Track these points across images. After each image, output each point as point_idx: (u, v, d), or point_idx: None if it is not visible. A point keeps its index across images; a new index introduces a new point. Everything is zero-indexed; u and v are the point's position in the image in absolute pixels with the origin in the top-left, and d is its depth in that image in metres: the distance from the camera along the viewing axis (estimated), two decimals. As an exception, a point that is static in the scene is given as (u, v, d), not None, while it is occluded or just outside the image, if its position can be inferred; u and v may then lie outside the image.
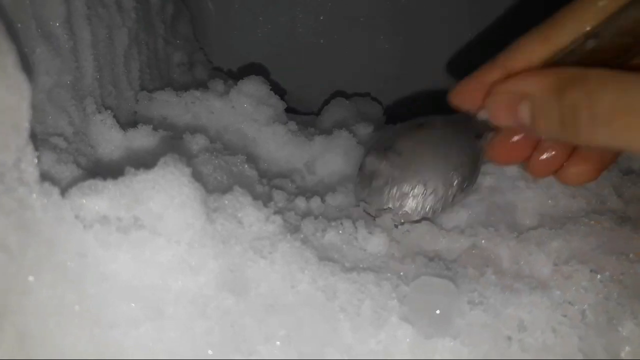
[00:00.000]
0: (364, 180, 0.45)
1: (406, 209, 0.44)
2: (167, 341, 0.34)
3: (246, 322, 0.35)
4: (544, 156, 0.39)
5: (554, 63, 0.33)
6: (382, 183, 0.44)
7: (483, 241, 0.45)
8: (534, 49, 0.34)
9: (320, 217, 0.45)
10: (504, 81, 0.34)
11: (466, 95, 0.38)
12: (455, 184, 0.43)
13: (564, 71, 0.30)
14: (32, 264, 0.32)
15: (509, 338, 0.37)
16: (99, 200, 0.35)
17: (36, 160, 0.33)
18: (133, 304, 0.34)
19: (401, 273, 0.40)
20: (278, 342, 0.35)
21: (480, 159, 0.43)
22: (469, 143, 0.41)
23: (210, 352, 0.34)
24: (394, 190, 0.44)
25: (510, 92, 0.33)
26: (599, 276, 0.40)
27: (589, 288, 0.39)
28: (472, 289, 0.39)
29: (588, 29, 0.32)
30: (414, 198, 0.44)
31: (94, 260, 0.34)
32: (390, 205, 0.44)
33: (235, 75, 0.89)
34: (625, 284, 0.40)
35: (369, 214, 0.46)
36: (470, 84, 0.37)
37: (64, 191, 0.35)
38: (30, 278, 0.32)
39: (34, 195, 0.33)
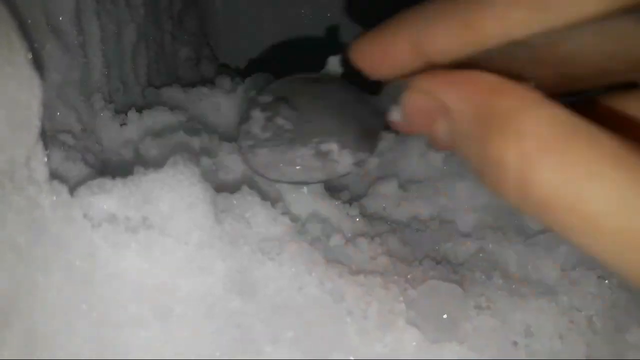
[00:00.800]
0: (248, 132, 0.39)
1: (295, 168, 0.38)
2: (175, 341, 0.34)
3: (253, 323, 0.35)
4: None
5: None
6: (271, 137, 0.38)
7: (490, 245, 0.45)
8: (455, 36, 0.22)
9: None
10: (426, 76, 0.24)
11: (369, 63, 0.27)
12: (348, 152, 0.36)
13: (499, 98, 0.21)
14: (40, 263, 0.32)
15: (516, 343, 0.37)
16: (108, 199, 0.35)
17: (46, 159, 0.33)
18: (141, 304, 0.34)
19: (409, 276, 0.40)
20: (285, 344, 0.35)
21: (380, 131, 0.37)
22: (369, 110, 0.34)
23: (217, 353, 0.34)
24: (284, 148, 0.38)
25: (430, 97, 0.24)
26: (606, 282, 0.40)
27: (596, 294, 0.39)
28: (479, 293, 0.39)
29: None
30: (303, 159, 0.37)
31: (102, 260, 0.34)
32: (280, 164, 0.37)
33: (242, 72, 0.89)
34: (632, 291, 0.40)
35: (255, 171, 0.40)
36: (370, 47, 0.27)
37: (72, 190, 0.35)
38: (39, 277, 0.32)
39: (44, 194, 0.33)
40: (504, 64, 0.22)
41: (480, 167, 0.21)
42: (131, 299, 0.34)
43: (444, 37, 0.22)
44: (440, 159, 0.55)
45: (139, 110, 0.53)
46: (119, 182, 0.36)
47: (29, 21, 0.40)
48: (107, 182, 0.36)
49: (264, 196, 0.42)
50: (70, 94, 0.46)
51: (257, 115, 0.37)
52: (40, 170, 0.33)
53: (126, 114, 0.52)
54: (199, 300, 0.35)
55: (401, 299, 0.38)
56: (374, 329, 0.36)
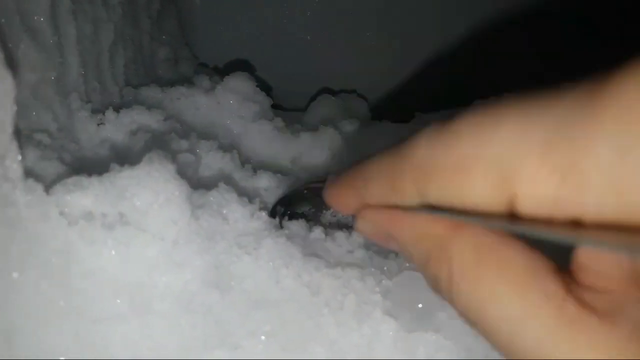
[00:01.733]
0: None
1: None
2: (153, 336, 0.34)
3: (231, 318, 0.36)
4: None
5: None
6: None
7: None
8: (383, 193, 0.27)
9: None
10: (370, 210, 0.28)
11: (339, 207, 0.31)
12: None
13: (428, 229, 0.24)
14: (16, 261, 0.32)
15: (491, 331, 0.38)
16: (84, 196, 0.36)
17: (20, 157, 0.33)
18: (118, 300, 0.34)
19: (385, 268, 0.40)
20: (262, 337, 0.35)
21: None
22: None
23: (195, 347, 0.34)
24: None
25: (376, 226, 0.28)
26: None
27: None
28: (454, 283, 0.40)
29: None
30: None
31: (78, 257, 0.34)
32: None
33: (221, 71, 0.89)
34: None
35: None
36: (335, 198, 0.31)
37: (48, 188, 0.35)
38: (15, 274, 0.32)
39: (18, 192, 0.33)
40: None
41: (426, 279, 0.26)
42: (108, 295, 0.34)
43: (377, 196, 0.27)
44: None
45: (117, 109, 0.53)
46: (94, 179, 0.36)
47: (2, 20, 0.40)
48: (83, 179, 0.36)
49: (241, 192, 0.42)
50: (46, 93, 0.46)
51: None
52: (15, 169, 0.33)
53: (104, 114, 0.52)
54: (176, 296, 0.35)
55: (377, 289, 0.38)
56: (351, 320, 0.37)
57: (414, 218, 0.25)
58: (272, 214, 0.45)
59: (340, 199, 0.30)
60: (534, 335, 0.20)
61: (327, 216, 0.47)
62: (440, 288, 0.24)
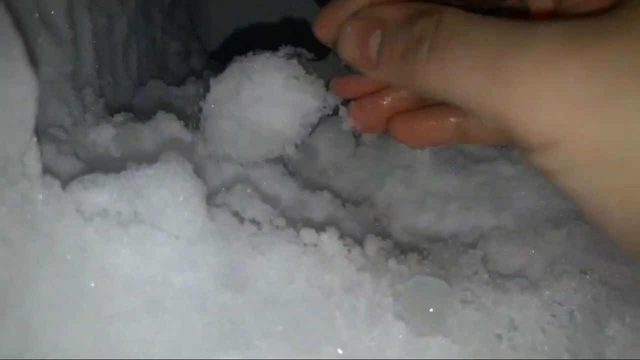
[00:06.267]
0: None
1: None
2: (167, 335, 0.34)
3: (244, 317, 0.36)
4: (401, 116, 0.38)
5: None
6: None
7: (476, 241, 0.46)
8: None
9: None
10: (361, 9, 0.32)
11: (329, 25, 0.35)
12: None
13: (421, 4, 0.29)
14: (33, 258, 0.33)
15: (499, 336, 0.38)
16: (100, 193, 0.36)
17: (40, 154, 0.33)
18: (133, 298, 0.34)
19: (397, 272, 0.41)
20: (275, 338, 0.36)
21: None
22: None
23: (208, 346, 0.34)
24: None
25: (366, 17, 0.32)
26: (587, 277, 0.41)
27: (578, 289, 0.40)
28: (465, 287, 0.40)
29: None
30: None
31: (94, 254, 0.34)
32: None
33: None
34: (613, 286, 0.41)
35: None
36: (332, 13, 0.34)
37: (64, 184, 0.36)
38: (32, 271, 0.32)
39: (36, 189, 0.33)
40: None
41: (400, 59, 0.29)
42: (123, 293, 0.34)
43: None
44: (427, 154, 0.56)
45: (129, 103, 0.53)
46: (111, 177, 0.36)
47: (22, 15, 0.41)
48: (99, 176, 0.36)
49: (256, 192, 0.43)
50: (62, 88, 0.46)
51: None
52: (34, 166, 0.33)
53: (117, 108, 0.52)
54: (190, 294, 0.35)
55: (389, 293, 0.39)
56: (362, 322, 0.37)
57: (408, 3, 0.30)
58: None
59: (335, 11, 0.34)
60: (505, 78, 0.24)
61: None
62: (422, 42, 0.27)
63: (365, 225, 0.49)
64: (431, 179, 0.55)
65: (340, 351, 0.36)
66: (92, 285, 0.34)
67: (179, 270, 0.35)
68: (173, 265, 0.35)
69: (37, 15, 0.42)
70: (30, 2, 0.42)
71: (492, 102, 0.25)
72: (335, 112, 0.42)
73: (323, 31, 0.35)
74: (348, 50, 0.33)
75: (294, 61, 0.41)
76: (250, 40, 0.92)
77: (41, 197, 0.33)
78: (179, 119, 0.47)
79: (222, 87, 0.41)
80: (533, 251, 0.45)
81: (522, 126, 0.24)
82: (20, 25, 0.38)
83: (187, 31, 0.86)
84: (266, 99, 0.40)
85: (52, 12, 0.45)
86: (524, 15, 0.32)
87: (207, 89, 0.41)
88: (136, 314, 0.34)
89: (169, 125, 0.46)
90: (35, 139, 0.32)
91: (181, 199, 0.36)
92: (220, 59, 0.91)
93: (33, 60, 0.32)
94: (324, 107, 0.41)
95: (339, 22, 0.33)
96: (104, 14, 0.54)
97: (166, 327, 0.34)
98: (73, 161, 0.41)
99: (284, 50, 0.42)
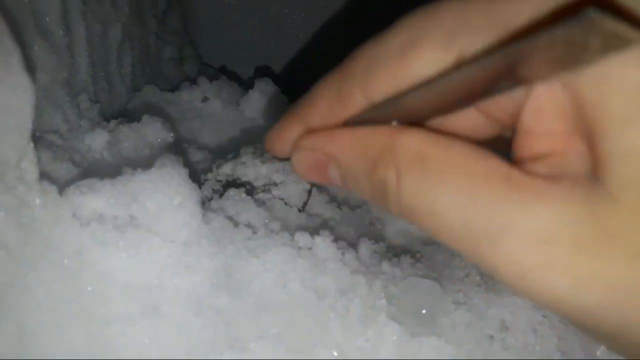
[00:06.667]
0: None
1: None
2: (163, 338, 0.35)
3: (239, 320, 0.36)
4: None
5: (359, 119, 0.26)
6: None
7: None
8: (330, 106, 0.27)
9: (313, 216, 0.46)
10: (308, 136, 0.28)
11: (275, 148, 0.32)
12: None
13: (372, 138, 0.25)
14: (30, 262, 0.33)
15: (492, 337, 0.39)
16: (96, 199, 0.36)
17: (36, 160, 0.33)
18: (129, 302, 0.35)
19: (390, 274, 0.41)
20: (270, 340, 0.36)
21: None
22: None
23: (203, 349, 0.35)
24: None
25: (315, 150, 0.28)
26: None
27: (568, 290, 0.41)
28: (457, 289, 0.41)
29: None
30: None
31: (90, 258, 0.35)
32: None
33: (225, 71, 0.90)
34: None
35: None
36: (275, 137, 0.31)
37: (61, 190, 0.36)
38: (29, 276, 0.33)
39: (33, 194, 0.34)
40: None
41: (370, 194, 0.26)
42: (119, 297, 0.35)
43: (323, 113, 0.28)
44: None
45: (124, 109, 0.53)
46: (107, 182, 0.37)
47: (18, 22, 0.41)
48: (96, 182, 0.37)
49: (251, 196, 0.43)
50: (57, 94, 0.46)
51: None
52: (31, 171, 0.33)
53: (111, 114, 0.53)
54: (185, 298, 0.36)
55: (383, 295, 0.39)
56: (356, 324, 0.38)
57: (357, 131, 0.26)
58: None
59: (283, 134, 0.30)
60: (485, 208, 0.21)
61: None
62: (388, 191, 0.24)
63: (359, 229, 0.50)
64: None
65: (335, 353, 0.37)
66: (89, 289, 0.34)
67: (174, 273, 0.36)
68: (169, 269, 0.36)
69: (32, 22, 0.43)
70: (25, 9, 0.42)
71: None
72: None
73: (274, 151, 0.32)
74: (309, 177, 0.30)
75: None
76: (244, 46, 0.93)
77: (38, 202, 0.34)
78: (172, 124, 0.48)
79: None
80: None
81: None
82: (16, 33, 0.38)
83: (181, 37, 0.86)
84: None
85: (47, 19, 0.45)
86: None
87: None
88: (132, 318, 0.34)
89: (161, 130, 0.46)
90: (31, 145, 0.33)
91: (176, 203, 0.36)
92: (214, 64, 0.92)
93: (29, 67, 0.33)
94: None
95: (288, 143, 0.30)
96: (98, 20, 0.55)
97: (162, 330, 0.35)
98: (69, 166, 0.41)
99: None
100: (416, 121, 0.25)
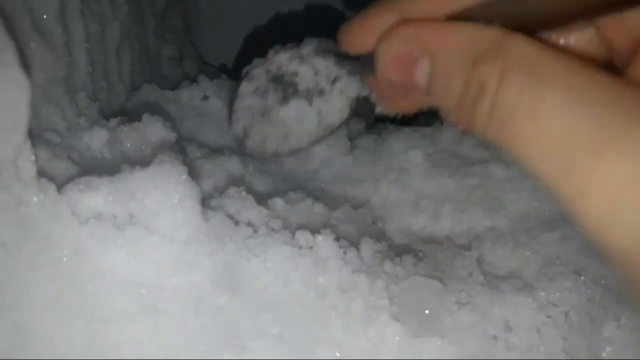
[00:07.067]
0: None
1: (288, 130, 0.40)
2: (162, 336, 0.34)
3: (239, 319, 0.36)
4: None
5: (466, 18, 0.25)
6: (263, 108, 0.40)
7: (471, 243, 0.46)
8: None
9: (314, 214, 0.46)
10: (404, 25, 0.26)
11: (356, 39, 0.29)
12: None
13: (480, 33, 0.23)
14: (28, 260, 0.32)
15: (495, 337, 0.38)
16: (95, 196, 0.36)
17: (33, 157, 0.33)
18: (128, 300, 0.34)
19: (392, 273, 0.41)
20: (270, 339, 0.36)
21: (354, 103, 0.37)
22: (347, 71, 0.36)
23: (203, 348, 0.34)
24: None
25: (411, 41, 0.26)
26: (582, 278, 0.41)
27: (572, 290, 0.40)
28: (460, 289, 0.40)
29: None
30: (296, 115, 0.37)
31: (89, 256, 0.34)
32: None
33: (225, 70, 0.90)
34: (607, 287, 0.41)
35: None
36: (360, 26, 0.29)
37: (60, 187, 0.35)
38: (27, 273, 0.32)
39: (31, 192, 0.33)
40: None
41: (459, 95, 0.24)
42: (118, 295, 0.34)
43: (429, 5, 0.26)
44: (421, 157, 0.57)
45: (123, 108, 0.53)
46: (106, 179, 0.36)
47: (15, 20, 0.40)
48: (94, 179, 0.36)
49: (251, 195, 0.43)
50: (55, 92, 0.46)
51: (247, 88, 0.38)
52: (28, 169, 0.33)
53: (110, 112, 0.52)
54: (185, 296, 0.35)
55: (384, 294, 0.39)
56: (358, 324, 0.37)
57: (464, 26, 0.24)
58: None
59: (371, 21, 0.28)
60: (596, 120, 0.20)
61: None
62: (485, 92, 0.23)
63: (360, 228, 0.50)
64: (425, 182, 0.55)
65: (336, 353, 0.36)
66: (88, 287, 0.34)
67: (173, 272, 0.35)
68: (168, 267, 0.35)
69: (29, 20, 0.42)
70: (22, 8, 0.42)
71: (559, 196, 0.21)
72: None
73: (351, 43, 0.30)
74: (391, 73, 0.27)
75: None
76: (244, 45, 0.93)
77: (36, 199, 0.33)
78: (172, 122, 0.47)
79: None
80: (527, 253, 0.45)
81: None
82: (12, 30, 0.38)
83: (181, 36, 0.86)
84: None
85: (45, 17, 0.45)
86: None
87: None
88: (131, 316, 0.34)
89: (160, 128, 0.46)
90: (28, 142, 0.32)
91: (175, 201, 0.36)
92: (214, 63, 0.92)
93: (26, 64, 0.32)
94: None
95: (373, 35, 0.28)
96: (97, 19, 0.54)
97: (161, 328, 0.34)
98: (68, 164, 0.40)
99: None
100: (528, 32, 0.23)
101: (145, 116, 0.46)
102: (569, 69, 0.21)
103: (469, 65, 0.23)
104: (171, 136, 0.45)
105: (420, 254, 0.45)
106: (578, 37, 0.25)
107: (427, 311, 0.38)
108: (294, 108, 0.36)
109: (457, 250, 0.46)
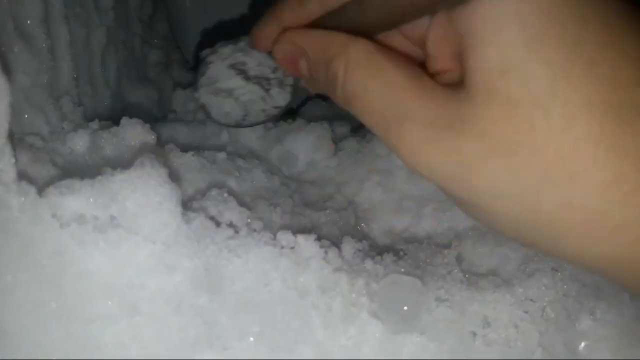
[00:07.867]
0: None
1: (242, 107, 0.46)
2: (143, 338, 0.34)
3: (220, 319, 0.36)
4: None
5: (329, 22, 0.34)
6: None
7: (450, 241, 0.46)
8: (303, 5, 0.35)
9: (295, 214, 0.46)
10: (285, 33, 0.36)
11: (259, 42, 0.40)
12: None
13: (332, 38, 0.32)
14: (9, 263, 0.33)
15: (474, 333, 0.39)
16: (76, 199, 0.36)
17: (14, 160, 0.33)
18: (109, 302, 0.35)
19: (373, 272, 0.41)
20: (251, 339, 0.36)
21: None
22: None
23: (184, 348, 0.35)
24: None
25: (291, 45, 0.36)
26: (559, 274, 0.42)
27: (549, 285, 0.41)
28: (439, 286, 0.41)
29: None
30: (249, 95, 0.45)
31: (70, 259, 0.35)
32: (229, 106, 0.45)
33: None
34: (583, 282, 0.42)
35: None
36: (260, 33, 0.39)
37: (40, 190, 0.36)
38: (8, 277, 0.32)
39: (11, 195, 0.34)
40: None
41: (324, 84, 0.33)
42: (100, 297, 0.35)
43: (290, 16, 0.36)
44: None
45: (108, 112, 0.53)
46: (87, 182, 0.37)
47: (-3, 25, 0.41)
48: (76, 182, 0.37)
49: (232, 196, 0.43)
50: (39, 96, 0.46)
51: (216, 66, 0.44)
52: (8, 172, 0.33)
53: (95, 117, 0.52)
54: (166, 298, 0.36)
55: (364, 292, 0.39)
56: (338, 322, 0.38)
57: (322, 32, 0.33)
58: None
59: (265, 31, 0.38)
60: (398, 98, 0.29)
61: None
62: (337, 81, 0.32)
63: (344, 228, 0.50)
64: (408, 183, 0.56)
65: (317, 351, 0.37)
66: (69, 289, 0.34)
67: (155, 273, 0.36)
68: (149, 269, 0.36)
69: (12, 24, 0.43)
70: (5, 12, 0.42)
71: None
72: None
73: (257, 45, 0.40)
74: (285, 68, 0.39)
75: None
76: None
77: (16, 202, 0.34)
78: (154, 126, 0.48)
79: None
80: (507, 251, 0.45)
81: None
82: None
83: (168, 41, 0.86)
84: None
85: (28, 22, 0.45)
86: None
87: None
88: (112, 317, 0.34)
89: (140, 131, 0.46)
90: (8, 145, 0.33)
91: (156, 202, 0.36)
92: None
93: (8, 68, 0.33)
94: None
95: (268, 39, 0.38)
96: (82, 24, 0.55)
97: (142, 329, 0.35)
98: (49, 168, 0.41)
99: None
100: (367, 36, 0.32)
101: (125, 120, 0.46)
102: (388, 62, 0.30)
103: (327, 61, 0.32)
104: (151, 139, 0.46)
105: (401, 253, 0.45)
106: (399, 40, 0.34)
107: (406, 308, 0.39)
108: (248, 91, 0.44)
109: (438, 249, 0.46)
